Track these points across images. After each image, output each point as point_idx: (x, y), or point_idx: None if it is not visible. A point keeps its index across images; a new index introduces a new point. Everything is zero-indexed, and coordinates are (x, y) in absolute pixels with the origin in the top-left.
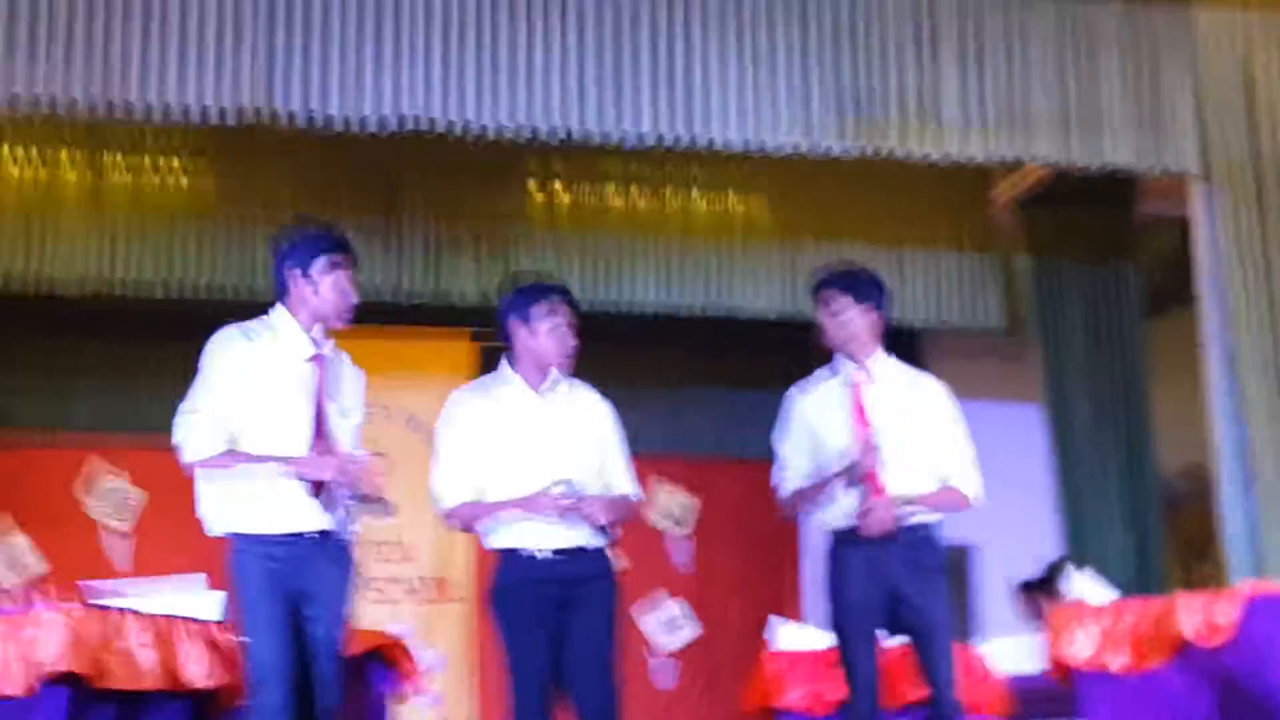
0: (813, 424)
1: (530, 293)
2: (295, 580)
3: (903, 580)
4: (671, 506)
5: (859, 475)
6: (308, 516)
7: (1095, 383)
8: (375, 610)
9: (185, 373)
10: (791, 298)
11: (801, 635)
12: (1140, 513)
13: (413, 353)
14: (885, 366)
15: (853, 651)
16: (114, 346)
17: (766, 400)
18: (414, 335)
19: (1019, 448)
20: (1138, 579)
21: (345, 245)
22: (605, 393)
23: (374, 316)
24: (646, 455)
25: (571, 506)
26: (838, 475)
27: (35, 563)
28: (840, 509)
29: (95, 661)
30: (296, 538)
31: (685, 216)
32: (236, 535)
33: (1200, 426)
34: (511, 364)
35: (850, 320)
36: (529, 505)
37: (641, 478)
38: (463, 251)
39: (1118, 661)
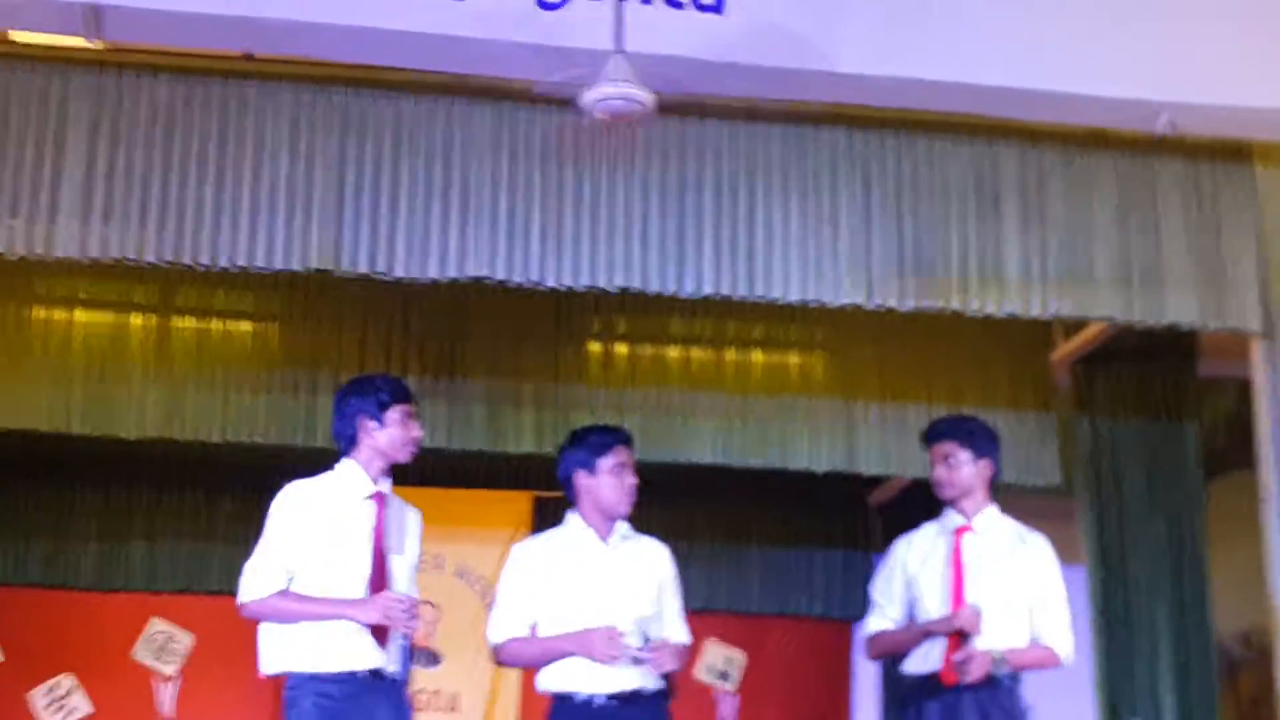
0: (911, 571)
1: (592, 440)
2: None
3: None
4: (719, 662)
5: (954, 630)
6: (363, 655)
7: (1150, 540)
8: None
9: (240, 527)
10: (847, 453)
11: None
12: (1194, 677)
13: (469, 506)
14: (991, 519)
15: None
16: (172, 500)
17: (817, 557)
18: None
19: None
20: None
21: (409, 392)
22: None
23: (431, 471)
24: (695, 610)
25: (645, 657)
26: (931, 624)
27: (81, 704)
28: (923, 656)
29: None
30: (351, 676)
31: (743, 372)
32: (292, 674)
33: (1259, 591)
34: (579, 514)
35: (964, 473)
36: (579, 642)
37: (695, 633)
38: (523, 408)
39: None
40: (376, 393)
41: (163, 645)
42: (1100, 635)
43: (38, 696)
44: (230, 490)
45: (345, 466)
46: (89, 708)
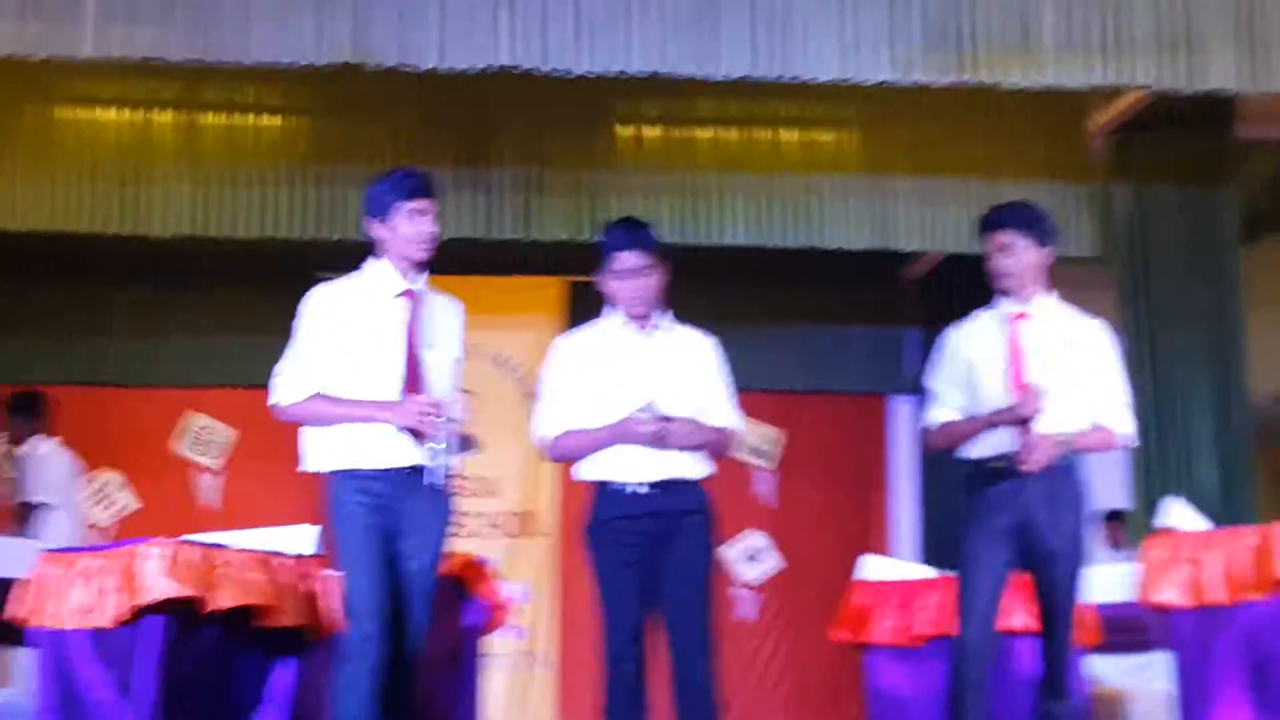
0: (968, 359)
1: (609, 242)
2: (390, 516)
3: (1040, 512)
4: (755, 440)
5: (1018, 419)
6: (403, 451)
7: (1187, 308)
8: (461, 545)
9: (276, 321)
10: (881, 230)
11: (890, 567)
12: (1230, 439)
13: (502, 293)
14: (1047, 305)
15: (976, 579)
16: (205, 296)
17: (852, 335)
18: (505, 279)
19: None
20: (1225, 507)
21: (420, 188)
22: (691, 327)
23: (466, 262)
24: (737, 389)
25: (655, 430)
26: (994, 415)
27: (127, 499)
28: (987, 441)
29: (197, 584)
30: (389, 473)
31: (775, 151)
32: (333, 472)
33: None
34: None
35: (1021, 259)
36: (620, 430)
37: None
38: (554, 194)
39: (1211, 595)
40: (381, 192)
41: (203, 438)
42: (1136, 408)
43: (84, 491)
44: (265, 283)
45: (374, 265)
46: (135, 503)
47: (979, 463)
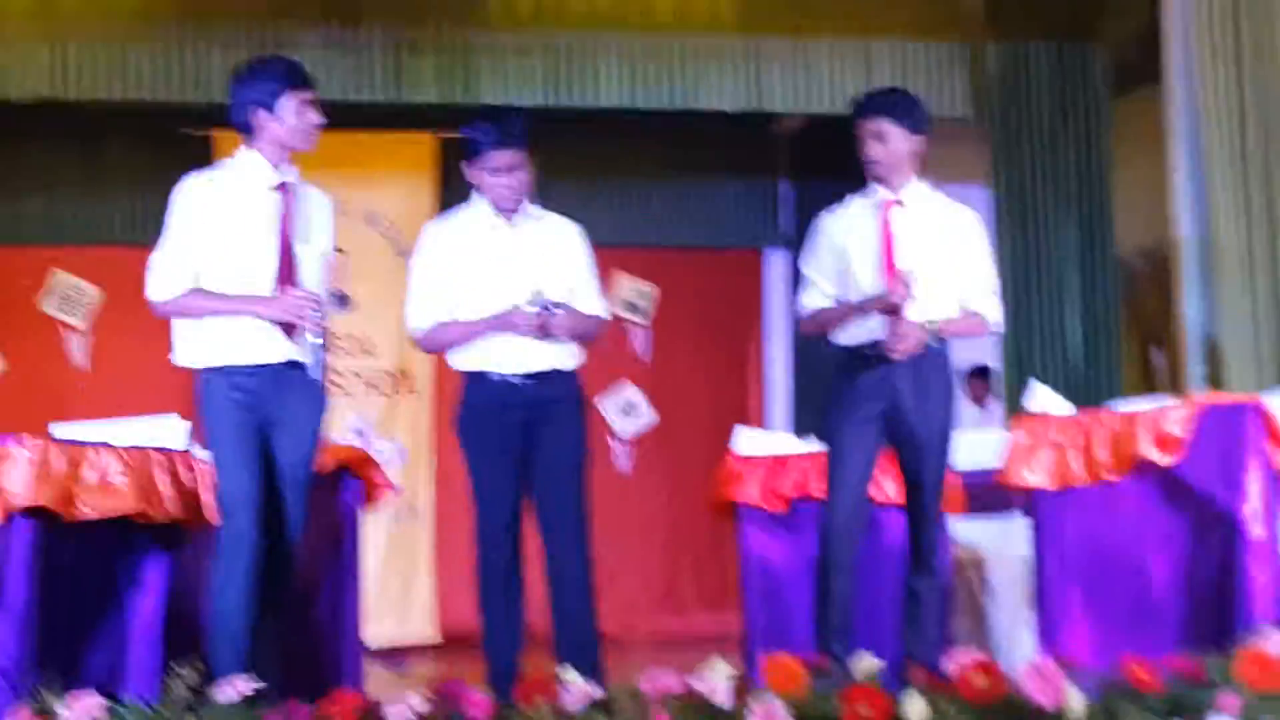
0: (840, 245)
1: (475, 138)
2: (263, 411)
3: (908, 398)
4: (629, 294)
5: (888, 306)
6: (274, 347)
7: (1057, 165)
8: (336, 403)
9: (141, 178)
10: (755, 92)
11: (764, 440)
12: (1098, 292)
13: (372, 150)
14: (918, 193)
15: (845, 463)
16: (66, 153)
17: (725, 190)
18: (375, 136)
19: None
20: (1091, 360)
21: (309, 77)
22: (565, 185)
23: (335, 121)
24: (606, 246)
25: (542, 322)
26: (865, 303)
27: None
28: (858, 328)
29: (64, 494)
30: (263, 368)
31: (648, 10)
32: (205, 368)
33: (1163, 210)
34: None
35: (894, 147)
36: (502, 321)
37: (603, 267)
38: (424, 55)
39: (1076, 477)
40: (268, 80)
41: (69, 297)
42: (1004, 263)
43: None
44: (126, 140)
45: (246, 156)
46: (3, 363)
47: (849, 349)
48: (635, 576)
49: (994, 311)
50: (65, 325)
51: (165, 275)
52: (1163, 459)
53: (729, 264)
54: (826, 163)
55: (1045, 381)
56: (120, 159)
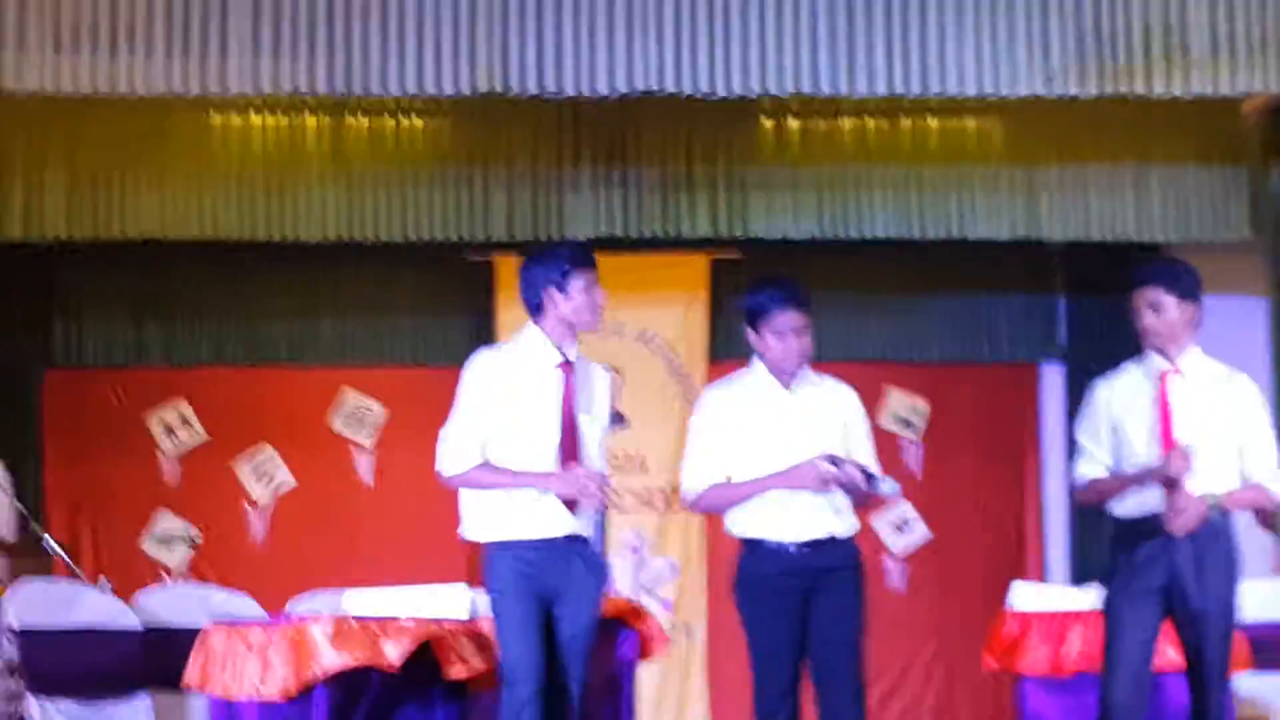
0: (1116, 415)
1: (761, 301)
2: (546, 582)
3: (1188, 573)
4: (902, 409)
5: (1166, 478)
6: (558, 522)
7: None
8: (610, 519)
9: (424, 301)
10: (1030, 221)
11: (1041, 595)
12: None
13: (646, 271)
14: (1195, 361)
15: (1124, 639)
16: (358, 279)
17: (999, 305)
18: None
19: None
20: None
21: (592, 257)
22: (841, 301)
23: (611, 245)
24: (876, 360)
25: (836, 476)
26: (1143, 474)
27: (283, 476)
28: (1136, 500)
29: (365, 652)
30: (548, 543)
31: (920, 142)
32: (491, 542)
33: None
34: (763, 361)
35: (1170, 316)
36: (790, 476)
37: (874, 382)
38: (697, 189)
39: None
40: (560, 261)
41: (357, 416)
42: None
43: (243, 467)
44: (414, 266)
45: (532, 334)
46: (292, 480)
47: (1127, 521)
48: (908, 698)
49: (1277, 483)
50: (353, 444)
51: (456, 449)
52: None
53: (1003, 377)
54: (1102, 278)
55: None
56: (406, 281)
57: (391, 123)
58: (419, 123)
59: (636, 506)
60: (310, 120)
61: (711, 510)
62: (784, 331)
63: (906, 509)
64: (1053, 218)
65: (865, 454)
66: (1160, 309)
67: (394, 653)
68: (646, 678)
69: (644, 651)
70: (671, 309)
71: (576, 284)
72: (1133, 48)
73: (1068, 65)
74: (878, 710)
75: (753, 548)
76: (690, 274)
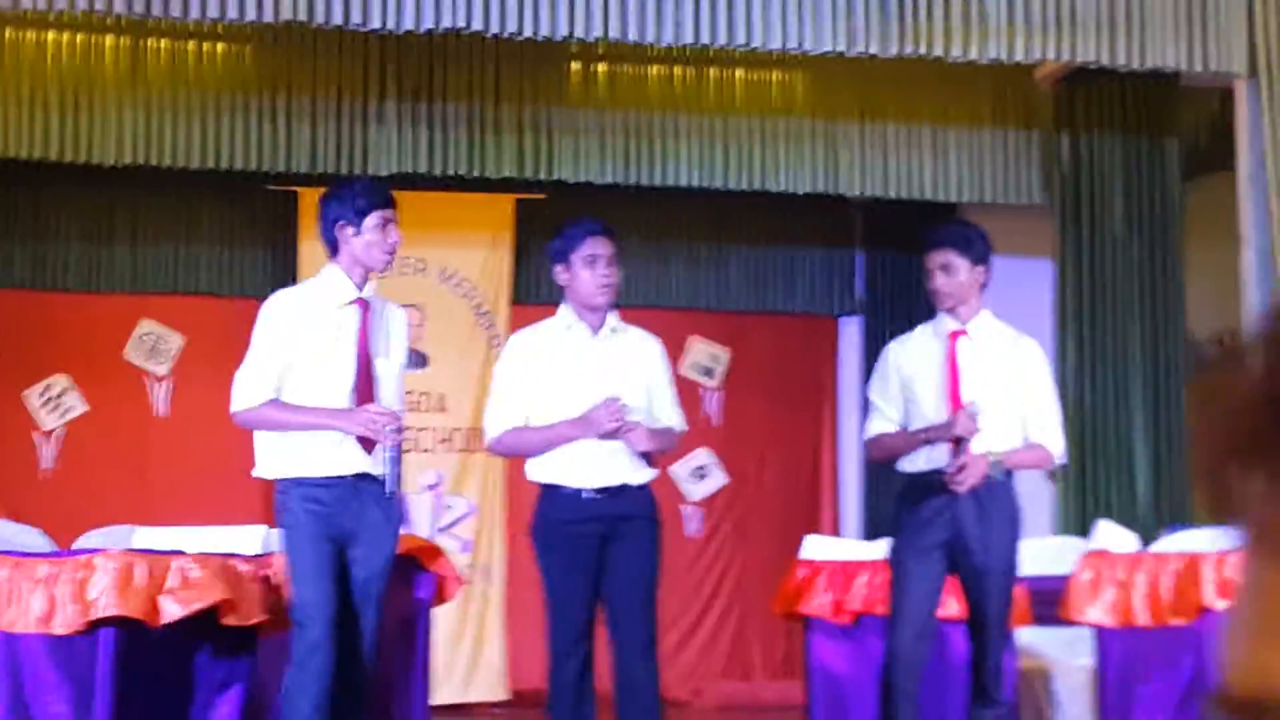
0: (906, 375)
1: (572, 231)
2: (340, 523)
3: (971, 528)
4: (703, 358)
5: (952, 437)
6: (349, 460)
7: (1128, 255)
8: (409, 459)
9: (224, 231)
10: (832, 176)
11: (831, 546)
12: (1168, 382)
13: (452, 210)
14: (984, 323)
15: (909, 592)
16: (156, 207)
17: (800, 258)
18: (454, 196)
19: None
20: (1160, 452)
21: (390, 197)
22: (641, 250)
23: (415, 184)
24: (679, 308)
25: (618, 426)
26: (930, 431)
27: (76, 404)
28: (923, 456)
29: (145, 603)
30: (338, 480)
31: (726, 93)
32: (282, 479)
33: (1234, 292)
34: (570, 305)
35: (960, 278)
36: (577, 424)
37: (677, 329)
38: (504, 129)
39: (1140, 618)
40: (353, 198)
41: (153, 346)
42: (1071, 352)
43: (33, 396)
44: (214, 194)
45: (329, 272)
46: (84, 407)
47: (913, 476)
48: (702, 642)
49: (1057, 444)
50: (148, 374)
51: (246, 387)
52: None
53: (802, 329)
54: (900, 234)
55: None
56: (207, 210)
57: (194, 45)
58: (221, 48)
59: (435, 446)
60: (109, 40)
61: (511, 453)
62: (595, 258)
63: (705, 455)
64: (853, 173)
65: (667, 405)
66: (951, 271)
67: (175, 611)
68: (443, 618)
69: (440, 594)
70: (475, 249)
71: (370, 222)
72: (933, 11)
73: (870, 24)
74: (673, 654)
75: (549, 493)
76: (495, 215)
